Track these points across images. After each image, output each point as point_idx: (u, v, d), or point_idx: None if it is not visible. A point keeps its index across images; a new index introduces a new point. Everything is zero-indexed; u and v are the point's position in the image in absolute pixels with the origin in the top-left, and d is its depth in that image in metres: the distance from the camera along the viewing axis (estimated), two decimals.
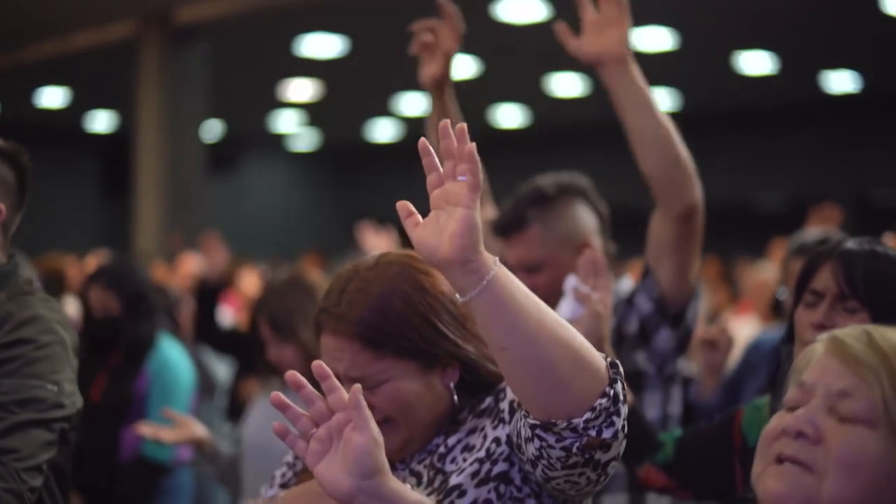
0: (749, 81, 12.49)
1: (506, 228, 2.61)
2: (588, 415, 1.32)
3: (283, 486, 1.74)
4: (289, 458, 1.80)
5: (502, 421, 1.55)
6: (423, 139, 1.33)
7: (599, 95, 14.59)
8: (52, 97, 14.28)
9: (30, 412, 1.87)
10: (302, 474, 1.71)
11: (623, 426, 1.36)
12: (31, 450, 1.85)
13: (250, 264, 7.86)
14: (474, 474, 1.52)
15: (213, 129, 15.21)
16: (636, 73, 2.36)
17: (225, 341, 5.20)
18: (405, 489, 1.34)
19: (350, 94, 13.04)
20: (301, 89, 13.37)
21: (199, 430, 2.99)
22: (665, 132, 2.33)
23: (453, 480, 1.53)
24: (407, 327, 1.57)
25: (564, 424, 1.32)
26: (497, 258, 1.32)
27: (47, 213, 14.73)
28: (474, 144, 1.30)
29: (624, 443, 1.39)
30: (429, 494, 1.54)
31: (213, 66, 10.87)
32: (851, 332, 1.26)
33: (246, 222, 17.23)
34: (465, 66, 12.05)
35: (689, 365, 3.53)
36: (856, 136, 14.10)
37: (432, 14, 2.78)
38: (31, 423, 1.86)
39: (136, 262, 4.71)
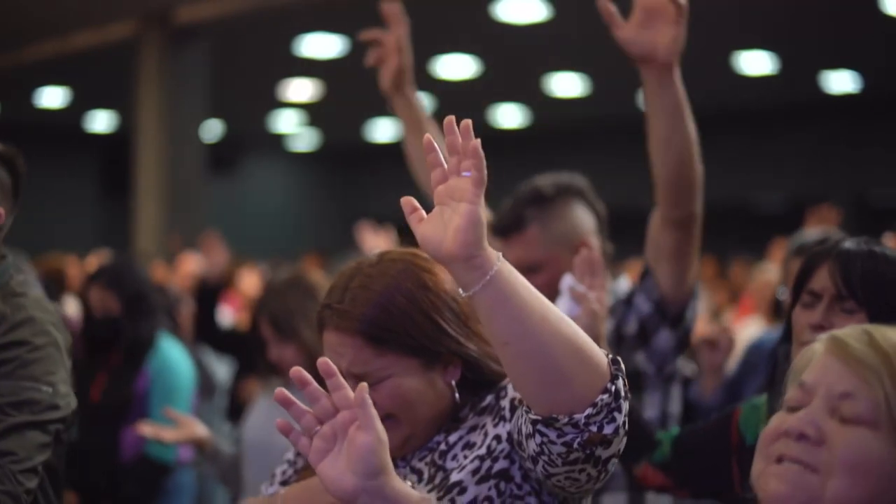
0: (749, 81, 12.49)
1: (504, 229, 2.61)
2: (589, 410, 1.32)
3: (284, 483, 1.74)
4: (289, 455, 1.80)
5: (503, 418, 1.56)
6: (427, 135, 1.34)
7: (599, 95, 14.62)
8: (52, 97, 14.28)
9: (25, 414, 1.87)
10: (303, 471, 1.71)
11: (624, 422, 1.36)
12: (27, 452, 1.85)
13: (250, 264, 7.86)
14: (475, 471, 1.53)
15: (212, 129, 15.21)
16: (678, 79, 2.25)
17: (225, 341, 5.20)
18: (408, 490, 1.34)
19: (350, 94, 13.02)
20: (301, 89, 13.37)
21: (199, 429, 2.99)
22: (690, 143, 2.28)
23: (454, 477, 1.53)
24: (409, 324, 1.57)
25: (566, 420, 1.33)
26: (500, 254, 1.33)
27: (47, 214, 14.74)
28: (479, 140, 1.31)
29: (625, 439, 1.39)
30: (429, 491, 1.54)
31: (213, 66, 10.86)
32: (852, 331, 1.26)
33: (246, 222, 17.22)
34: (465, 66, 12.06)
35: (689, 365, 3.53)
36: (855, 137, 14.10)
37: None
38: (26, 424, 1.86)
39: (137, 261, 4.71)
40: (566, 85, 13.15)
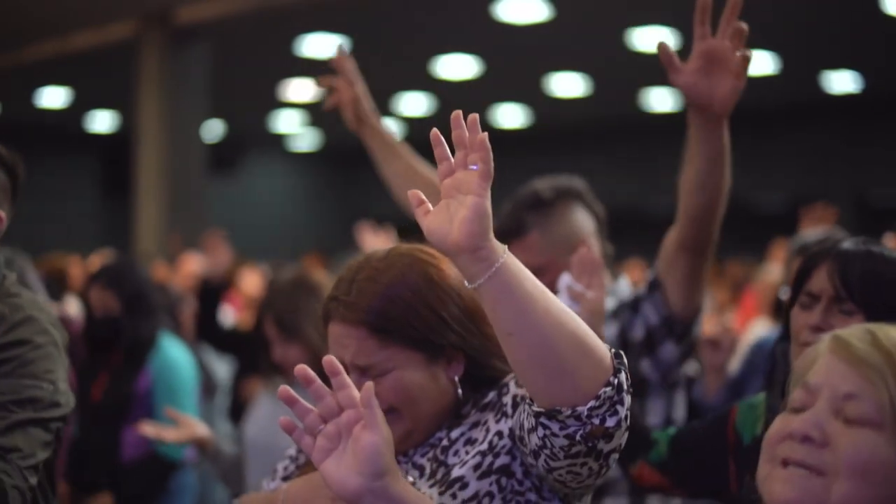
0: (749, 81, 12.37)
1: (505, 234, 2.60)
2: (592, 403, 1.33)
3: (285, 478, 1.74)
4: (291, 451, 1.81)
5: (505, 415, 1.57)
6: (434, 129, 1.34)
7: (600, 95, 14.61)
8: (53, 97, 14.28)
9: (28, 411, 1.88)
10: (304, 467, 1.71)
11: (626, 416, 1.36)
12: (32, 448, 1.86)
13: (251, 264, 7.86)
14: (476, 467, 1.53)
15: (213, 130, 15.21)
16: (725, 128, 2.19)
17: (226, 341, 5.21)
18: (413, 490, 1.34)
19: None
20: (301, 89, 13.37)
21: (201, 429, 2.99)
22: (724, 188, 2.26)
23: (455, 473, 1.54)
24: (414, 317, 1.59)
25: (568, 412, 1.33)
26: (506, 246, 1.33)
27: (47, 214, 14.74)
28: (486, 134, 1.31)
29: (626, 434, 1.40)
30: (431, 486, 1.55)
31: (214, 67, 10.87)
32: (855, 331, 1.25)
33: (246, 222, 17.22)
34: (466, 66, 12.06)
35: (692, 364, 3.53)
36: (856, 137, 14.11)
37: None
38: (30, 422, 1.87)
39: (137, 262, 4.71)
40: (567, 85, 13.16)
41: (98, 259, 6.75)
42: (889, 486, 1.16)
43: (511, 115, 15.68)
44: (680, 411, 2.61)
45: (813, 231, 4.00)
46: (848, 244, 1.82)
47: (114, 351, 3.76)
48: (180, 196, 10.30)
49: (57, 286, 5.10)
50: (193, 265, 6.83)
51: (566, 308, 1.35)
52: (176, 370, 3.79)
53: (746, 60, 2.07)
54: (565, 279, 2.19)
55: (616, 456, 1.42)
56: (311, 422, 1.35)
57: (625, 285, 2.74)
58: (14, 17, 10.15)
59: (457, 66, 12.02)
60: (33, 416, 1.87)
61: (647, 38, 10.23)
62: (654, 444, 2.08)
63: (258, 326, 3.22)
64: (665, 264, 2.46)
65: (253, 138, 18.02)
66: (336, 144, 19.08)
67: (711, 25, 2.08)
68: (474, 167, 1.31)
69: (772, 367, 1.93)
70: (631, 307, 2.54)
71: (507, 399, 1.59)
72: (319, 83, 2.83)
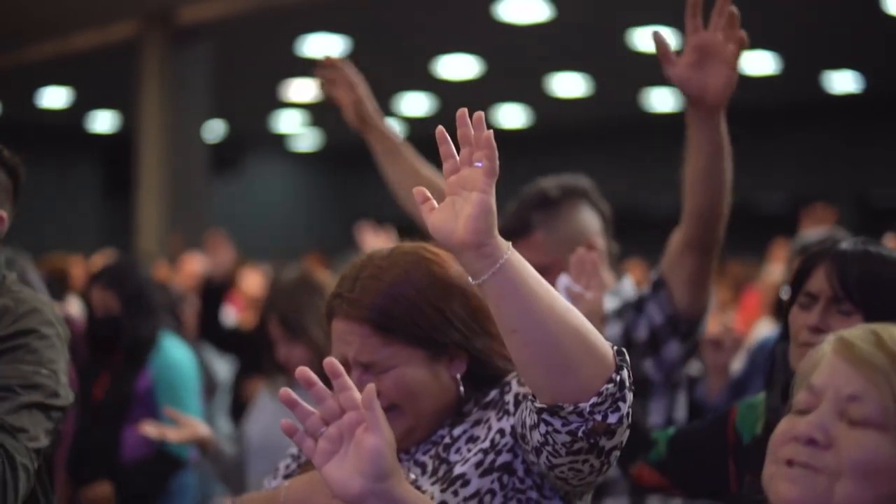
0: (751, 81, 12.48)
1: (511, 233, 2.60)
2: (594, 399, 1.34)
3: (287, 477, 1.75)
4: (293, 449, 1.81)
5: (507, 413, 1.58)
6: (440, 127, 1.35)
7: (601, 96, 14.61)
8: (54, 97, 14.29)
9: (35, 395, 1.89)
10: (306, 465, 1.72)
11: (628, 413, 1.37)
12: (37, 431, 1.87)
13: (252, 264, 7.86)
14: (478, 464, 1.54)
15: (215, 130, 15.21)
16: (723, 120, 2.22)
17: (228, 340, 5.21)
18: (415, 492, 1.34)
19: None
20: (303, 89, 13.37)
21: (203, 429, 2.99)
22: (726, 181, 2.28)
23: (457, 470, 1.55)
24: (417, 314, 1.60)
25: (571, 408, 1.34)
26: (510, 243, 1.34)
27: (48, 214, 14.75)
28: (492, 132, 1.32)
29: (628, 431, 1.40)
30: (433, 484, 1.56)
31: (215, 67, 10.87)
32: (859, 332, 1.25)
33: (248, 222, 17.22)
34: (467, 67, 12.06)
35: (694, 363, 3.52)
36: (857, 137, 14.10)
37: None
38: (35, 405, 1.88)
39: (138, 261, 4.71)
40: (568, 85, 13.15)
41: (100, 259, 6.76)
42: (892, 486, 1.16)
43: (512, 115, 15.68)
44: (681, 412, 2.61)
45: (815, 231, 4.00)
46: (846, 244, 1.82)
47: (115, 351, 3.76)
48: (181, 196, 10.31)
49: (58, 286, 5.10)
50: (195, 265, 6.83)
51: (570, 305, 1.36)
52: (177, 369, 3.79)
53: (740, 48, 2.12)
54: (564, 280, 2.19)
55: (617, 453, 1.43)
56: (312, 424, 1.34)
57: (629, 285, 2.74)
58: (15, 16, 10.15)
59: (458, 66, 12.02)
60: (39, 401, 1.89)
61: (648, 38, 10.20)
62: (654, 444, 2.09)
63: (262, 326, 3.23)
64: (670, 263, 2.46)
65: (254, 138, 18.03)
66: (337, 144, 19.08)
67: (704, 19, 2.12)
68: (479, 164, 1.32)
69: (771, 366, 1.93)
70: (635, 307, 2.54)
71: (510, 397, 1.59)
72: (316, 75, 2.82)
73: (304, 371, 1.34)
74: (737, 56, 2.13)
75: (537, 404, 1.37)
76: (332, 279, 2.94)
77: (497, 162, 1.32)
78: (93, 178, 16.89)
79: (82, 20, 10.49)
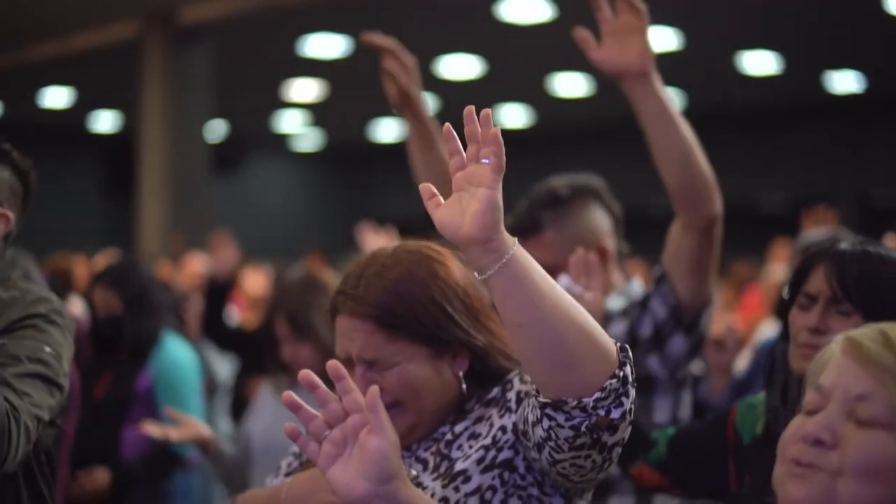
0: (753, 81, 12.48)
1: (520, 231, 2.60)
2: (598, 394, 1.35)
3: (289, 475, 1.75)
4: (295, 448, 1.81)
5: (509, 410, 1.59)
6: (447, 124, 1.36)
7: (603, 95, 14.62)
8: (56, 97, 14.30)
9: (40, 367, 1.91)
10: (307, 463, 1.72)
11: (631, 409, 1.38)
12: (41, 400, 1.88)
13: (254, 264, 7.86)
14: (479, 460, 1.55)
15: (216, 130, 15.21)
16: (658, 85, 2.31)
17: (231, 340, 5.21)
18: (420, 494, 1.34)
19: (354, 93, 13.03)
20: (305, 89, 13.38)
21: (203, 429, 3.00)
22: (687, 146, 2.30)
23: (458, 466, 1.56)
24: (421, 312, 1.61)
25: (574, 403, 1.35)
26: (516, 239, 1.35)
27: (50, 214, 14.74)
28: (499, 129, 1.33)
29: (630, 427, 1.41)
30: (434, 480, 1.56)
31: (217, 67, 10.87)
32: (868, 332, 1.25)
33: (249, 222, 17.22)
34: (468, 66, 12.06)
35: (697, 363, 3.53)
36: (859, 137, 14.09)
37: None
38: (41, 376, 1.90)
39: (141, 261, 4.71)
40: (570, 85, 13.15)
41: (104, 259, 6.76)
42: None
43: (514, 115, 15.68)
44: (686, 410, 2.61)
45: (818, 231, 4.00)
46: (845, 245, 1.82)
47: (118, 351, 3.77)
48: (183, 196, 10.31)
49: (61, 286, 5.11)
50: (197, 265, 6.83)
51: (574, 301, 1.37)
52: (178, 369, 3.79)
53: (640, 14, 2.36)
54: (563, 280, 2.19)
55: (619, 449, 1.44)
56: (316, 427, 1.35)
57: (637, 286, 2.73)
58: (16, 17, 10.16)
59: (459, 66, 12.02)
60: (45, 373, 1.91)
61: (651, 39, 10.21)
62: (654, 444, 2.09)
63: (267, 326, 3.24)
64: (670, 254, 2.46)
65: (256, 138, 18.03)
66: (339, 144, 19.08)
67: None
68: (486, 161, 1.33)
69: (771, 367, 1.94)
70: (640, 304, 2.54)
71: (511, 395, 1.61)
72: (365, 39, 2.71)
73: (307, 374, 1.34)
74: (644, 26, 2.34)
75: (541, 399, 1.38)
76: (337, 279, 2.95)
77: (504, 158, 1.33)
78: (94, 179, 16.89)
79: (83, 20, 10.50)
